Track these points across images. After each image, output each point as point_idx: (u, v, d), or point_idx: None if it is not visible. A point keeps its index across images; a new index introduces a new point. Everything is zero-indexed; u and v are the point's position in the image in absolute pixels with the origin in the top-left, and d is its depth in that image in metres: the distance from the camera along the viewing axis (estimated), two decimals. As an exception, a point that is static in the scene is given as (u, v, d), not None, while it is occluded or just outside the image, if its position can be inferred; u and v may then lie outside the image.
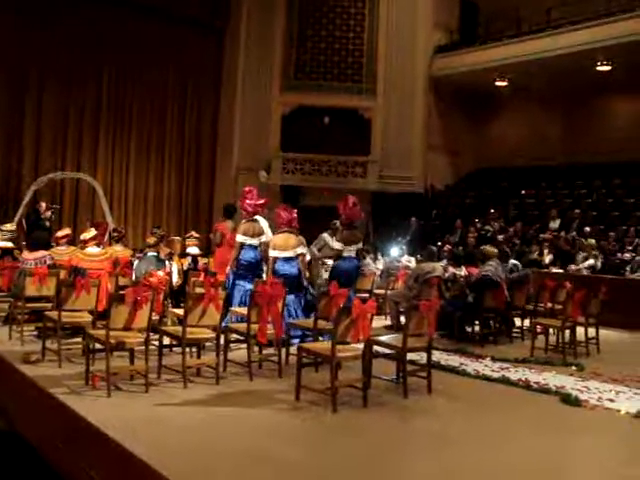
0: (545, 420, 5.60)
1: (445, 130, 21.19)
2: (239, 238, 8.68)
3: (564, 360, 8.02)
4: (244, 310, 7.11)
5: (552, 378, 7.01)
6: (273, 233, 8.90)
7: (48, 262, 8.05)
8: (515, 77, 19.53)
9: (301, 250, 8.58)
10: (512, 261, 10.43)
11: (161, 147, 20.04)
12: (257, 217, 8.94)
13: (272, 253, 8.39)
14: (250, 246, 8.66)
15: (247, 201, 8.84)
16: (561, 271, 12.75)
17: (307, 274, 9.26)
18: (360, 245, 9.18)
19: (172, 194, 20.27)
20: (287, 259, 8.40)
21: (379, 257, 13.00)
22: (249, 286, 8.19)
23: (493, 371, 7.28)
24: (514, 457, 4.63)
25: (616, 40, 16.09)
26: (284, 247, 8.43)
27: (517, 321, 9.89)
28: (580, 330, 8.68)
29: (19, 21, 16.93)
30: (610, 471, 4.52)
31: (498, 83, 20.07)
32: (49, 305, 7.65)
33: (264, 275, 8.66)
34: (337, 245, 8.88)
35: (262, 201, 8.93)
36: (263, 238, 8.81)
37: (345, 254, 8.88)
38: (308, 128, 20.19)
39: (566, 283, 9.61)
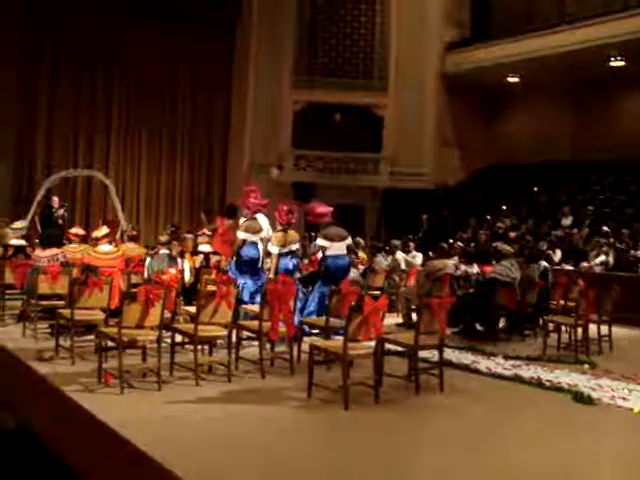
0: (558, 418, 5.58)
1: (457, 126, 21.09)
2: (241, 235, 8.91)
3: (576, 358, 7.99)
4: (255, 307, 7.15)
5: (564, 376, 6.99)
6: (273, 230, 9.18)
7: (61, 260, 8.09)
8: (527, 73, 19.40)
9: (295, 247, 8.87)
10: (543, 263, 10.32)
11: (173, 144, 20.08)
12: (257, 215, 9.18)
13: (274, 250, 8.57)
14: (252, 243, 8.84)
15: (251, 200, 9.07)
16: (573, 268, 12.67)
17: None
18: (349, 241, 9.17)
19: (184, 191, 20.33)
20: (284, 255, 8.69)
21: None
22: (250, 282, 8.44)
23: (505, 369, 7.26)
24: (525, 456, 4.61)
25: (631, 35, 15.96)
26: (283, 243, 8.70)
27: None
28: (593, 328, 8.64)
29: (30, 18, 17.02)
30: (623, 470, 4.50)
31: (510, 79, 19.96)
32: (62, 303, 7.67)
33: (266, 272, 8.89)
34: (321, 242, 8.89)
35: (265, 202, 9.19)
36: (263, 234, 9.07)
37: (333, 252, 8.84)
38: (320, 125, 20.17)
39: (579, 280, 9.58)
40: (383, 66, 20.42)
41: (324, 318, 7.12)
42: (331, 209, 9.29)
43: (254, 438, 4.72)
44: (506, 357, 7.89)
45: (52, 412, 2.18)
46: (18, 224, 9.96)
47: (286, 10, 20.41)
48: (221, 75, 20.78)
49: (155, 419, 5.00)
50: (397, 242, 12.31)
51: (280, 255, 8.63)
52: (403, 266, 11.72)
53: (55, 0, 17.16)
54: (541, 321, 9.39)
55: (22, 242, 9.37)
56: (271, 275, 8.55)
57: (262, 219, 9.34)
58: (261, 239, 8.98)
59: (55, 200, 15.17)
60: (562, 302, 9.65)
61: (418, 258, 12.47)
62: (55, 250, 8.21)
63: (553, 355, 8.10)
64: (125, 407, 5.23)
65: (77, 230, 9.44)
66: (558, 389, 6.43)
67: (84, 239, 9.45)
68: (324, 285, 8.54)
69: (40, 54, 17.48)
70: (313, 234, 13.51)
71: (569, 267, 12.81)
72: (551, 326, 8.86)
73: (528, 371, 7.18)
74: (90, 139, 18.58)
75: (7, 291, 8.77)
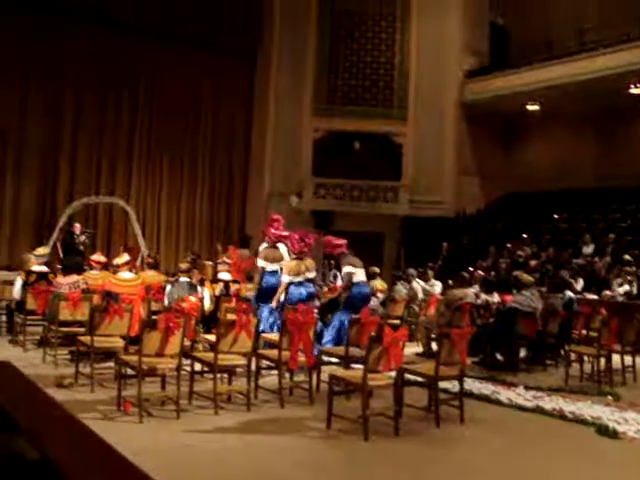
0: (581, 452, 5.48)
1: (476, 154, 21.12)
2: (260, 263, 8.98)
3: (600, 389, 7.86)
4: (274, 336, 7.15)
5: (587, 408, 6.84)
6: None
7: (82, 287, 8.16)
8: (547, 101, 19.43)
9: (311, 274, 8.86)
10: (568, 293, 10.19)
11: (193, 172, 20.25)
12: (278, 244, 9.23)
13: (286, 278, 8.57)
14: (271, 272, 8.87)
15: (272, 230, 9.11)
16: (595, 297, 12.53)
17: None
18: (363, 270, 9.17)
19: (204, 219, 20.45)
20: (300, 283, 8.62)
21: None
22: (266, 311, 8.49)
23: (526, 400, 7.14)
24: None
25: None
26: (297, 272, 8.63)
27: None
28: (616, 358, 8.52)
29: (57, 48, 17.32)
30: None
31: (529, 107, 19.99)
32: (82, 329, 7.72)
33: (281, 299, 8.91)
34: (349, 269, 8.88)
35: (286, 233, 9.21)
36: (283, 263, 9.08)
37: (359, 278, 8.84)
38: (339, 153, 20.29)
39: (601, 310, 9.47)
40: (402, 94, 20.56)
41: (343, 347, 7.10)
42: (345, 241, 9.34)
43: (272, 468, 4.69)
44: (527, 388, 7.76)
45: (71, 441, 2.18)
46: (41, 250, 10.07)
47: (306, 38, 20.67)
48: (242, 102, 20.99)
49: (173, 448, 4.99)
50: (413, 271, 12.25)
51: (292, 284, 8.62)
52: (420, 295, 11.65)
53: (82, 24, 17.47)
54: (563, 351, 9.28)
55: (44, 268, 9.45)
56: (273, 304, 8.58)
57: (282, 248, 9.38)
58: (281, 268, 9.01)
59: (77, 227, 15.31)
60: (584, 332, 9.53)
61: (437, 287, 12.39)
62: (76, 277, 8.29)
63: (575, 386, 7.97)
64: (144, 435, 5.22)
65: (98, 257, 9.52)
66: (581, 421, 6.31)
67: (105, 266, 9.51)
68: (345, 313, 8.54)
69: (65, 78, 17.76)
70: (332, 262, 13.55)
71: (591, 296, 12.66)
72: (573, 356, 8.75)
73: (550, 402, 7.04)
74: (112, 165, 18.78)
75: (28, 317, 8.84)
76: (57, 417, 2.56)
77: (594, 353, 8.39)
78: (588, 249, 15.57)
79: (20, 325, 8.95)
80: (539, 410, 6.72)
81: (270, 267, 8.98)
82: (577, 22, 18.89)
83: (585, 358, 8.72)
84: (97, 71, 18.03)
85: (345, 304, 8.76)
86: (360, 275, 8.85)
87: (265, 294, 8.87)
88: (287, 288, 8.57)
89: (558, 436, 5.95)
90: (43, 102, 17.43)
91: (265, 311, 8.69)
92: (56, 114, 17.72)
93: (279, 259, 9.10)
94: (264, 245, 9.37)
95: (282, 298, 8.62)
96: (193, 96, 19.83)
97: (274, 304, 8.53)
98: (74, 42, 17.56)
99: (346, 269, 8.91)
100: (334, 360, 7.81)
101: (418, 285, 11.83)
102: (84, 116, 18.17)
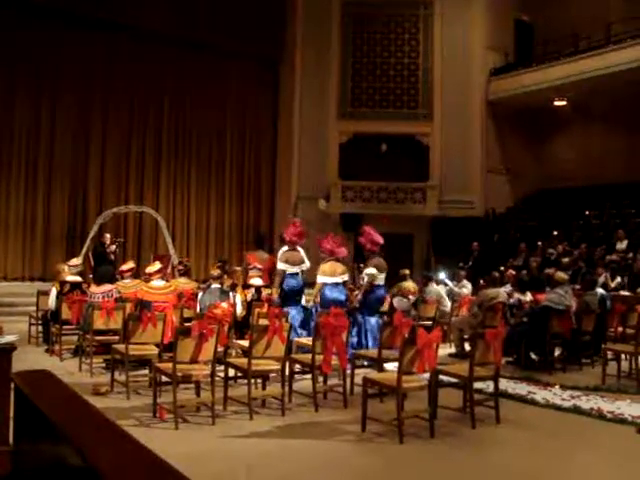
0: (622, 452, 5.38)
1: (504, 152, 20.97)
2: (281, 266, 9.11)
3: (639, 388, 7.72)
4: (307, 340, 7.17)
5: (627, 407, 6.72)
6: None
7: (115, 296, 8.24)
8: (574, 96, 19.23)
9: (346, 277, 9.01)
10: (600, 290, 10.08)
11: (221, 178, 20.37)
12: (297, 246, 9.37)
13: (320, 279, 8.64)
14: (292, 274, 8.98)
15: (290, 231, 9.33)
16: (631, 294, 12.32)
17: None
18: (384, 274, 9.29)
19: (233, 225, 20.55)
20: (335, 285, 8.73)
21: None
22: (293, 312, 8.64)
23: (563, 400, 7.04)
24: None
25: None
26: (331, 274, 8.75)
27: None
28: (654, 355, 8.37)
29: (83, 55, 17.55)
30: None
31: (557, 103, 19.79)
32: (116, 338, 7.80)
33: (304, 300, 9.23)
34: (372, 271, 8.94)
35: (301, 234, 9.34)
36: (304, 267, 9.30)
37: (378, 282, 9.01)
38: (366, 155, 20.25)
39: (638, 306, 9.32)
40: (428, 95, 20.49)
41: (376, 349, 7.08)
42: (382, 242, 9.36)
43: (308, 472, 4.68)
44: (563, 387, 7.67)
45: (110, 446, 2.21)
46: (74, 261, 10.17)
47: (330, 42, 20.70)
48: (268, 108, 21.09)
49: (209, 453, 5.01)
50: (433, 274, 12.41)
51: (326, 285, 8.70)
52: (436, 297, 11.45)
53: (106, 34, 17.69)
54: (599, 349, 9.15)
55: (78, 278, 9.56)
56: (311, 303, 8.89)
57: (302, 251, 9.51)
58: (302, 271, 9.16)
59: (107, 236, 15.45)
60: (620, 329, 9.39)
61: (465, 288, 12.32)
62: (109, 286, 8.36)
63: (613, 385, 7.85)
64: (180, 441, 5.25)
65: (126, 266, 9.60)
66: (621, 421, 6.19)
67: (136, 274, 9.58)
68: (363, 315, 8.69)
69: (93, 85, 17.97)
70: (362, 265, 13.53)
71: (626, 293, 12.47)
72: (610, 354, 8.61)
73: (588, 402, 6.93)
74: (141, 176, 18.93)
75: (64, 326, 8.95)
76: (97, 423, 2.58)
77: (631, 351, 8.26)
78: (622, 245, 15.33)
79: (55, 335, 9.06)
80: (577, 410, 6.61)
81: (291, 270, 9.09)
82: (603, 15, 18.67)
83: (622, 356, 8.59)
84: (124, 82, 18.22)
85: (363, 306, 8.86)
86: (381, 279, 8.96)
87: (287, 297, 8.98)
88: (321, 290, 8.68)
89: (598, 436, 5.86)
90: (74, 116, 17.65)
91: (292, 312, 8.74)
92: (84, 124, 17.93)
93: (299, 262, 9.23)
94: (284, 249, 9.44)
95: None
96: (219, 103, 19.96)
97: (312, 303, 8.70)
98: (100, 49, 17.80)
99: (369, 270, 8.97)
100: (365, 362, 7.82)
101: (433, 288, 11.58)
102: (112, 125, 18.36)
